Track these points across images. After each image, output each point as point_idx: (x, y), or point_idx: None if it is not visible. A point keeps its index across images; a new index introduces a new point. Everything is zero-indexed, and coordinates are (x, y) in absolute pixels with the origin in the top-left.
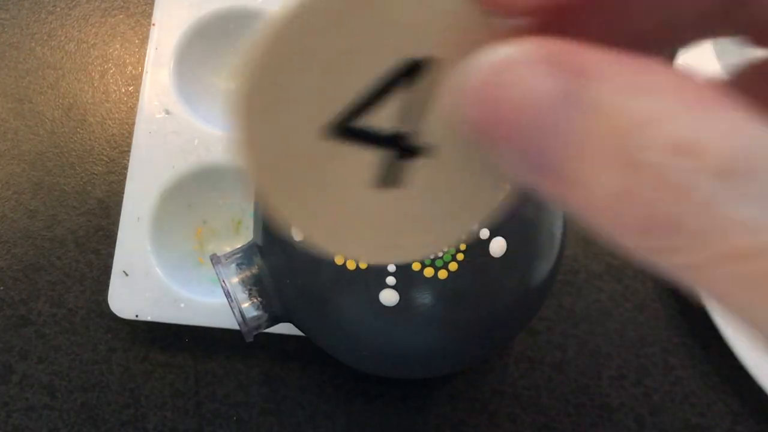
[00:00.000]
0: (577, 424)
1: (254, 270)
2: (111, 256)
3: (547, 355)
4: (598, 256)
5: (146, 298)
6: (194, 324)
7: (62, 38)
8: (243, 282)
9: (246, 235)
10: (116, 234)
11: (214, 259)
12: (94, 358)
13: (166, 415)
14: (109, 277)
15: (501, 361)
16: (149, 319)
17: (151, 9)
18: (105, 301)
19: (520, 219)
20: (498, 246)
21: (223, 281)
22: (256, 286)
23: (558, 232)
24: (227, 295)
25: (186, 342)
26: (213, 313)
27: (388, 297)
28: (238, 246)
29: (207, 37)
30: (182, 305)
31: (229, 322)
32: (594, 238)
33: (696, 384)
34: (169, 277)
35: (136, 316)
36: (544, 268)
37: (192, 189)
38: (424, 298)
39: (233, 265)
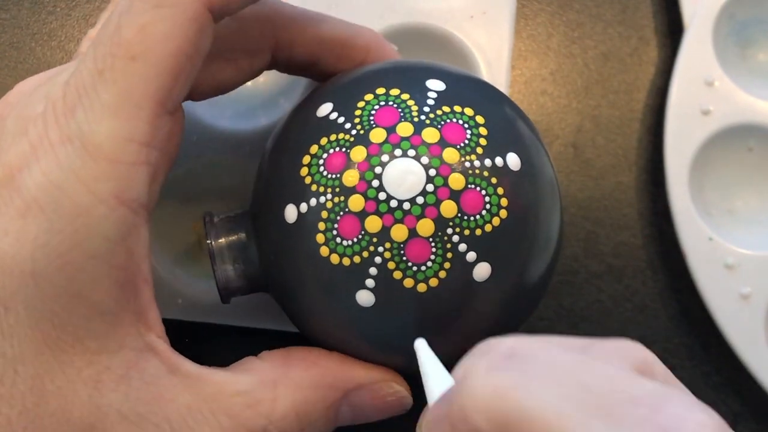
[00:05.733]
0: None
1: (242, 237)
2: None
3: None
4: (598, 256)
5: None
6: (192, 320)
7: (62, 38)
8: (229, 246)
9: None
10: None
11: (207, 217)
12: None
13: None
14: None
15: None
16: None
17: None
18: None
19: (509, 244)
20: (483, 271)
21: (210, 242)
22: (242, 253)
23: (548, 259)
24: (211, 255)
25: (186, 342)
26: (212, 309)
27: (365, 298)
28: (233, 211)
29: None
30: (180, 301)
31: (228, 318)
32: (594, 238)
33: (696, 384)
34: (167, 273)
35: None
36: (530, 296)
37: (190, 184)
38: (399, 306)
39: (223, 228)
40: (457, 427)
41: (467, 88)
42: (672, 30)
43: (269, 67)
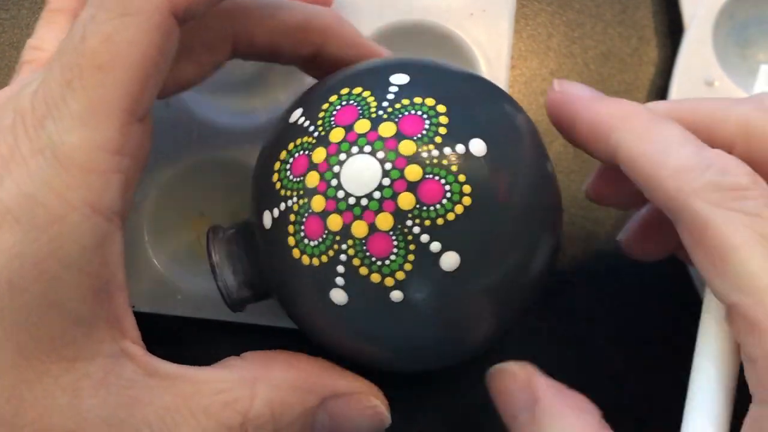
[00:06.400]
0: None
1: (243, 246)
2: None
3: (546, 356)
4: (598, 256)
5: (143, 289)
6: (192, 316)
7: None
8: (228, 256)
9: None
10: None
11: (210, 233)
12: None
13: None
14: None
15: (500, 362)
16: (146, 310)
17: None
18: None
19: (478, 232)
20: (450, 260)
21: (210, 254)
22: (240, 263)
23: (533, 249)
24: (212, 268)
25: (185, 342)
26: (211, 304)
27: (338, 296)
28: (235, 222)
29: None
30: (179, 297)
31: (228, 314)
32: (594, 238)
33: None
34: (167, 269)
35: (133, 307)
36: (517, 290)
37: (190, 180)
38: (371, 302)
39: (223, 241)
40: None
41: (435, 79)
42: (672, 30)
43: (231, 58)
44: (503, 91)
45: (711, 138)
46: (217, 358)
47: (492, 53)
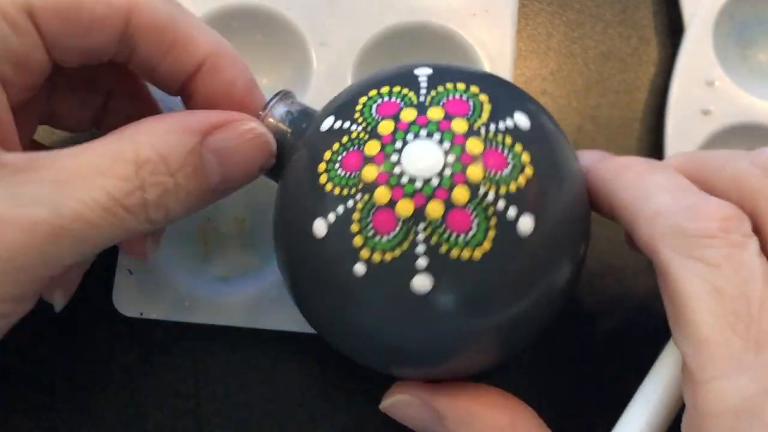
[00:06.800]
0: (577, 424)
1: (301, 107)
2: (115, 254)
3: (546, 356)
4: (598, 256)
5: (151, 296)
6: (199, 322)
7: None
8: (282, 117)
9: (250, 234)
10: None
11: (282, 94)
12: (94, 358)
13: (166, 416)
14: (112, 276)
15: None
16: (153, 316)
17: None
18: (106, 301)
19: (544, 196)
20: (527, 225)
21: (269, 108)
22: (294, 121)
23: (584, 206)
24: (265, 105)
25: (186, 343)
26: (218, 310)
27: (421, 284)
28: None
29: None
30: (187, 303)
31: (234, 320)
32: (594, 238)
33: None
34: (174, 275)
35: (141, 314)
36: (574, 251)
37: None
38: (458, 281)
39: (285, 109)
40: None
41: (455, 69)
42: (672, 30)
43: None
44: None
45: (710, 190)
46: (223, 355)
47: (495, 53)
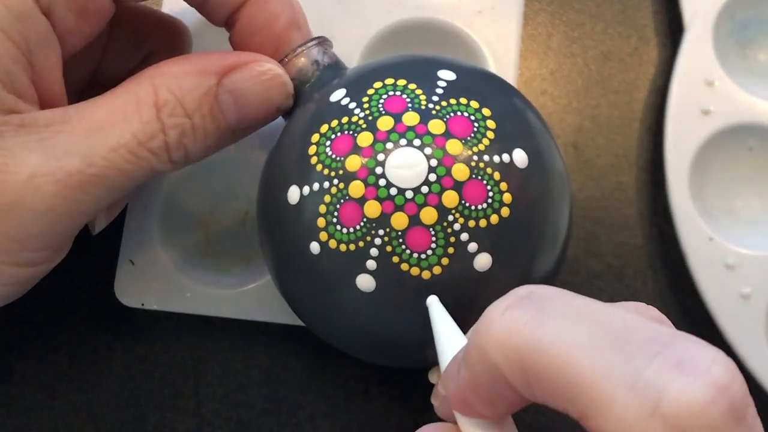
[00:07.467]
0: (577, 425)
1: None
2: (118, 245)
3: None
4: (598, 256)
5: (152, 287)
6: (200, 313)
7: None
8: (308, 63)
9: (252, 226)
10: (123, 223)
11: (318, 40)
12: (94, 358)
13: (166, 416)
14: (112, 270)
15: None
16: (155, 307)
17: (160, 0)
18: (105, 300)
19: (512, 239)
20: (483, 261)
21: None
22: (326, 67)
23: (556, 253)
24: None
25: (186, 342)
26: (219, 302)
27: (365, 283)
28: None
29: (217, 29)
30: (188, 294)
31: (235, 312)
32: (594, 238)
33: None
34: (176, 267)
35: (142, 304)
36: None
37: (199, 180)
38: (401, 291)
39: (322, 55)
40: (475, 367)
41: (477, 80)
42: (672, 30)
43: None
44: (529, 102)
45: None
46: (223, 355)
47: (500, 51)
